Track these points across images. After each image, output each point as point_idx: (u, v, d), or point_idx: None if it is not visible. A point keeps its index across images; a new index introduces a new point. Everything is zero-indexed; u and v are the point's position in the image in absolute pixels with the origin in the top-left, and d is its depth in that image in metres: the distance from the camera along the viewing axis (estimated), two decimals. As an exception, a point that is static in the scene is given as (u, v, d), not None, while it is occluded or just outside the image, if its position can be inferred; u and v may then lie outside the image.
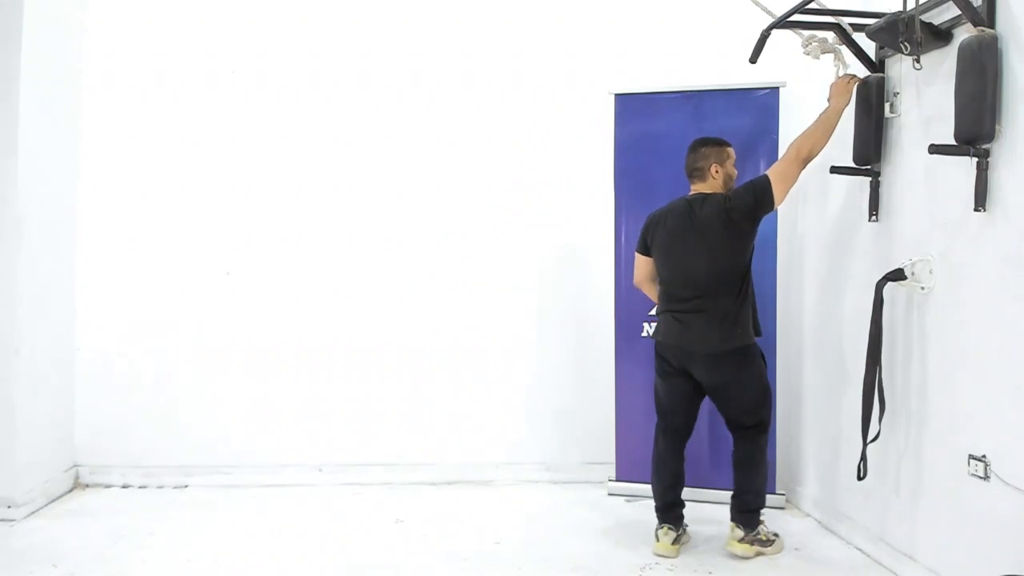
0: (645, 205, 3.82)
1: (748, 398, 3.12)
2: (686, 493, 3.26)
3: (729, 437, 3.22)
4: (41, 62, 3.59)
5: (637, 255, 3.34)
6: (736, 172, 3.23)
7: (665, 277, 3.20)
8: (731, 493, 3.19)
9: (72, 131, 3.90)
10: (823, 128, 3.06)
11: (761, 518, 3.16)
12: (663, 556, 3.09)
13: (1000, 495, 2.37)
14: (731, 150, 3.21)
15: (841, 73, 3.14)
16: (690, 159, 3.20)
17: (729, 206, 3.03)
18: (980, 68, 2.37)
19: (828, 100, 3.13)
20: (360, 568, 3.00)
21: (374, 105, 4.07)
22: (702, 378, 3.11)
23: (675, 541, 3.14)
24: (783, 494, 3.70)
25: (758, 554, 3.10)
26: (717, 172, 3.15)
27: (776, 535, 3.18)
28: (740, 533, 3.10)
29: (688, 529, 3.24)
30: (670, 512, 3.17)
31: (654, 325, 3.76)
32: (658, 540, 3.14)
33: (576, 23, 4.09)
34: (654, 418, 3.69)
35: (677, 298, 3.13)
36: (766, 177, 3.04)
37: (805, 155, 3.03)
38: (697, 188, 3.17)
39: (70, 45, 3.86)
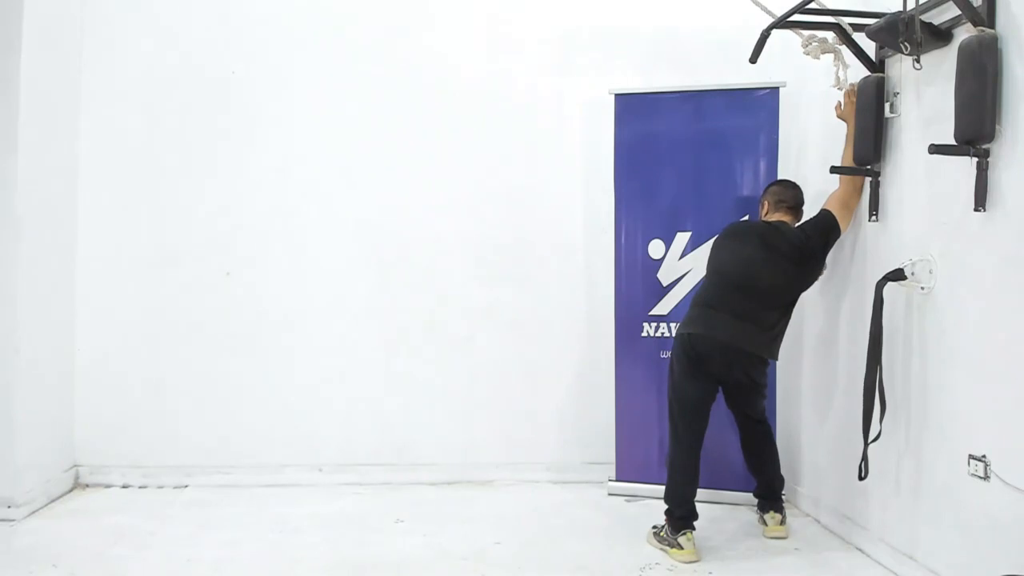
0: (645, 205, 3.84)
1: (765, 395, 3.38)
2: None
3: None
4: (41, 62, 3.59)
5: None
6: None
7: (727, 272, 3.23)
8: (761, 488, 3.37)
9: (72, 131, 3.90)
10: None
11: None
12: (691, 562, 3.03)
13: (1000, 495, 2.37)
14: None
15: (841, 74, 3.14)
16: (794, 194, 3.36)
17: (809, 246, 3.19)
18: (980, 68, 2.37)
19: (840, 117, 3.23)
20: (360, 568, 3.00)
21: (374, 104, 4.07)
22: (739, 375, 3.21)
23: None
24: (783, 494, 3.69)
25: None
26: None
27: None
28: (779, 517, 3.32)
29: None
30: (691, 519, 3.14)
31: (654, 325, 3.81)
32: (682, 548, 3.06)
33: (577, 23, 4.09)
34: (654, 418, 3.71)
35: (734, 297, 3.17)
36: (829, 213, 3.21)
37: (857, 186, 3.20)
38: (784, 217, 3.31)
39: (70, 45, 3.86)
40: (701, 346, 3.15)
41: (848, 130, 3.18)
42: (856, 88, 3.11)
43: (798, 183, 3.43)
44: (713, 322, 3.16)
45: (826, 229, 3.21)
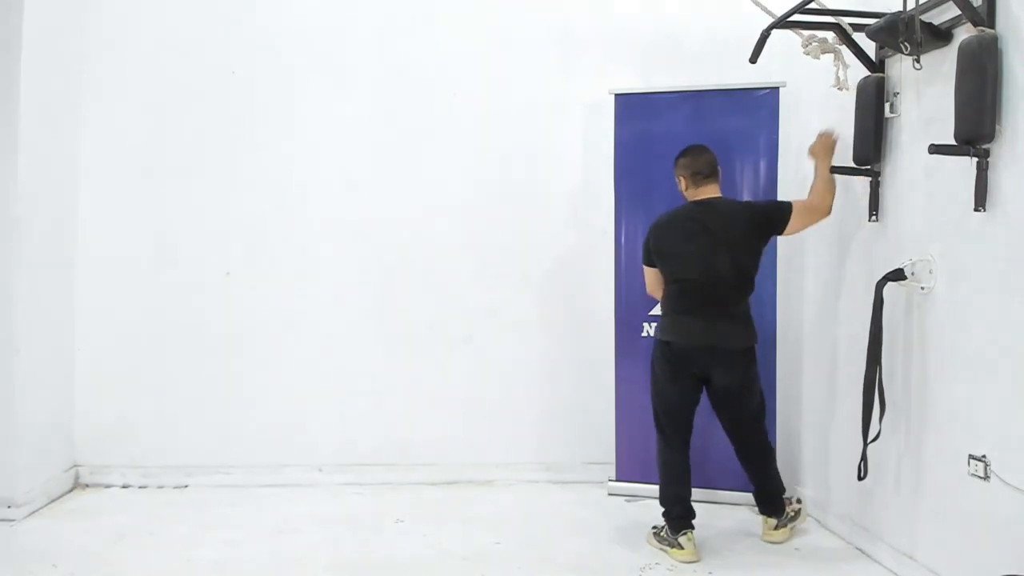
0: (645, 205, 3.84)
1: (759, 390, 3.25)
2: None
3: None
4: (41, 62, 3.59)
5: (645, 268, 3.35)
6: None
7: (684, 278, 3.17)
8: (753, 490, 3.29)
9: (72, 131, 3.90)
10: (827, 187, 3.17)
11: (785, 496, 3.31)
12: (690, 562, 3.03)
13: (1000, 495, 2.37)
14: None
15: (841, 73, 3.14)
16: (710, 158, 3.21)
17: (756, 214, 3.14)
18: (980, 68, 2.37)
19: (811, 156, 3.24)
20: (360, 568, 3.00)
21: (374, 104, 4.07)
22: (723, 376, 3.13)
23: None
24: (786, 497, 3.69)
25: (792, 531, 3.26)
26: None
27: (799, 501, 3.34)
28: (773, 522, 3.24)
29: None
30: (689, 518, 3.13)
31: (654, 326, 3.81)
32: (683, 548, 3.05)
33: (577, 23, 4.09)
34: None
35: (700, 298, 3.12)
36: (791, 204, 3.15)
37: (819, 205, 3.15)
38: (710, 190, 3.19)
39: (70, 45, 3.86)
40: (682, 353, 3.14)
41: (817, 168, 3.18)
42: (832, 136, 3.17)
43: (709, 150, 3.24)
44: (688, 329, 3.14)
45: (774, 212, 3.13)
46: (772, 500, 3.27)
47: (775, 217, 3.13)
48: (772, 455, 3.31)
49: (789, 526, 3.26)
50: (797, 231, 3.20)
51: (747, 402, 3.21)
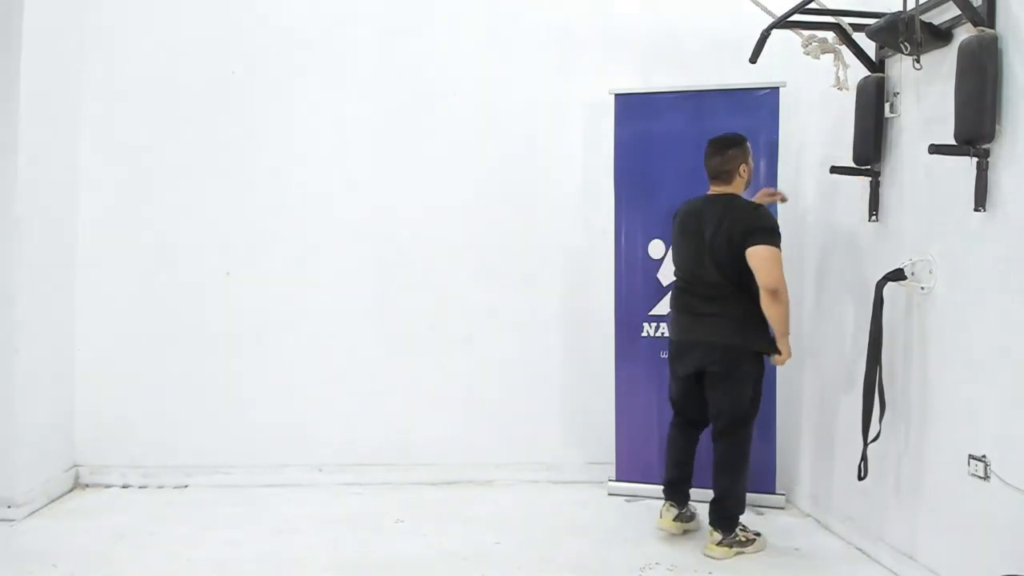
0: (645, 205, 3.85)
1: (749, 395, 3.15)
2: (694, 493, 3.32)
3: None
4: (41, 62, 3.59)
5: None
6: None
7: (679, 276, 3.27)
8: (711, 498, 3.18)
9: (72, 131, 3.90)
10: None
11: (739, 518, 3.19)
12: (665, 531, 3.18)
13: (1000, 495, 2.37)
14: (748, 143, 3.24)
15: (841, 73, 3.14)
16: (716, 162, 3.17)
17: (741, 227, 3.01)
18: (980, 68, 2.37)
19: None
20: (360, 568, 3.00)
21: (374, 104, 4.07)
22: (709, 366, 3.11)
23: (677, 519, 3.20)
24: (783, 494, 3.70)
25: (737, 554, 3.11)
26: (744, 171, 3.19)
27: (757, 534, 3.19)
28: (718, 536, 3.12)
29: (697, 517, 3.32)
30: (673, 488, 3.22)
31: (654, 325, 3.82)
32: (660, 516, 3.21)
33: (576, 23, 4.09)
34: (654, 418, 3.77)
35: (689, 297, 3.18)
36: (770, 245, 2.99)
37: (776, 286, 3.01)
38: (718, 188, 3.18)
39: (70, 45, 3.86)
40: (675, 348, 3.26)
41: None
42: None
43: (732, 142, 3.17)
44: (678, 326, 3.25)
45: (753, 230, 2.98)
46: (723, 516, 3.12)
47: (749, 235, 2.99)
48: (743, 470, 3.15)
49: (735, 548, 3.10)
50: (753, 267, 3.00)
51: (729, 397, 3.11)
